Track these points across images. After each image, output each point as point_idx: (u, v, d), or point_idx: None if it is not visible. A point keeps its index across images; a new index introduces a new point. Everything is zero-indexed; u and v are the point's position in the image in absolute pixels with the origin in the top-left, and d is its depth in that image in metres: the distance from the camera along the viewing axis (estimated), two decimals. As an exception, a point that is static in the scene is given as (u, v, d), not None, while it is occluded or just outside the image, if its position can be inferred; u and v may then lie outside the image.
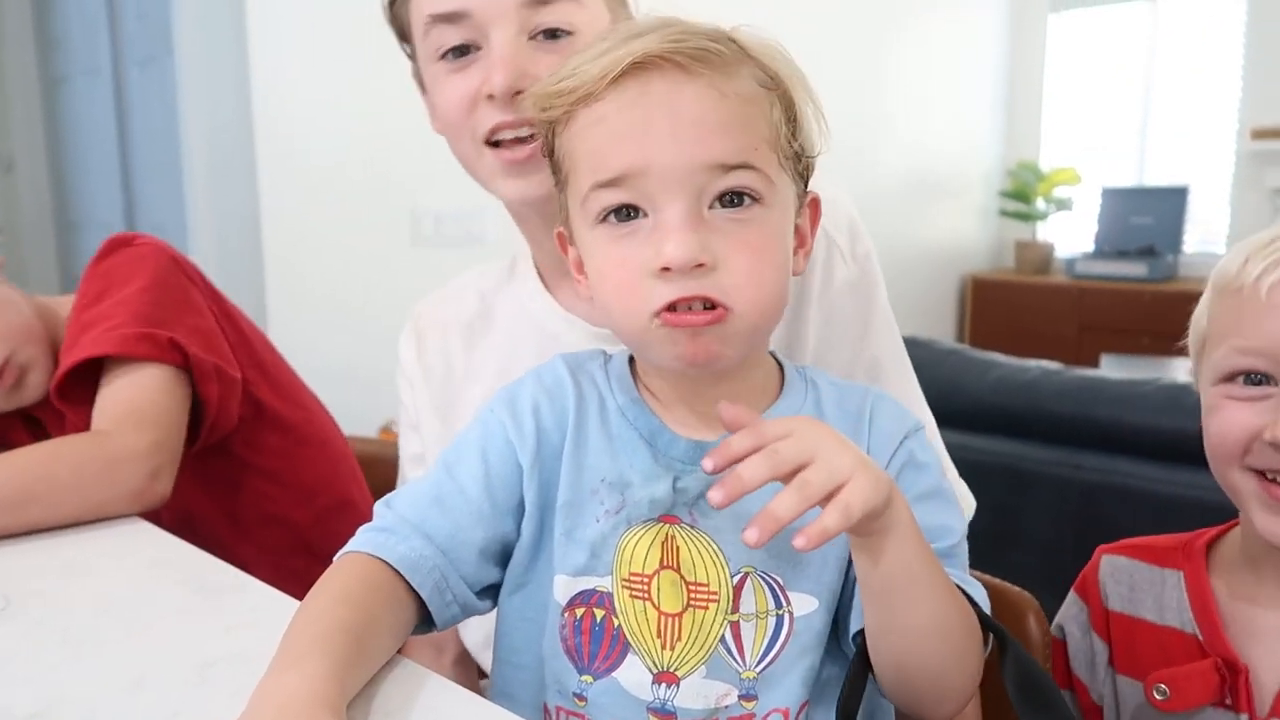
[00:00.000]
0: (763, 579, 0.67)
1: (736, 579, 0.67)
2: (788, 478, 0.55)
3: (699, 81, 0.63)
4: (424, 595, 0.67)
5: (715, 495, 0.54)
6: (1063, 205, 4.74)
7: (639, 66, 0.63)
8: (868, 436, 0.71)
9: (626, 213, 0.65)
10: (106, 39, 3.21)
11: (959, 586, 0.65)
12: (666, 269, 0.62)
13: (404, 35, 0.91)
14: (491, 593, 0.73)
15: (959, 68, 4.69)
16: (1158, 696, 0.77)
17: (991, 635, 0.66)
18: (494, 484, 0.70)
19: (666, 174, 0.63)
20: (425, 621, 0.69)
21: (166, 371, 1.04)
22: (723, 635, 0.66)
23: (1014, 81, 4.99)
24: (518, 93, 0.81)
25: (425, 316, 1.02)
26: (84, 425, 1.02)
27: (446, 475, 0.71)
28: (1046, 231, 4.90)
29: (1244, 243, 0.75)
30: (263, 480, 1.19)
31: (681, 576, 0.67)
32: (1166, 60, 4.66)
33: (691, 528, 0.68)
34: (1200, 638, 0.78)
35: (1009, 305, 4.63)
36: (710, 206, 0.64)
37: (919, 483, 0.69)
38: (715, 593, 0.67)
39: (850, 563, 0.65)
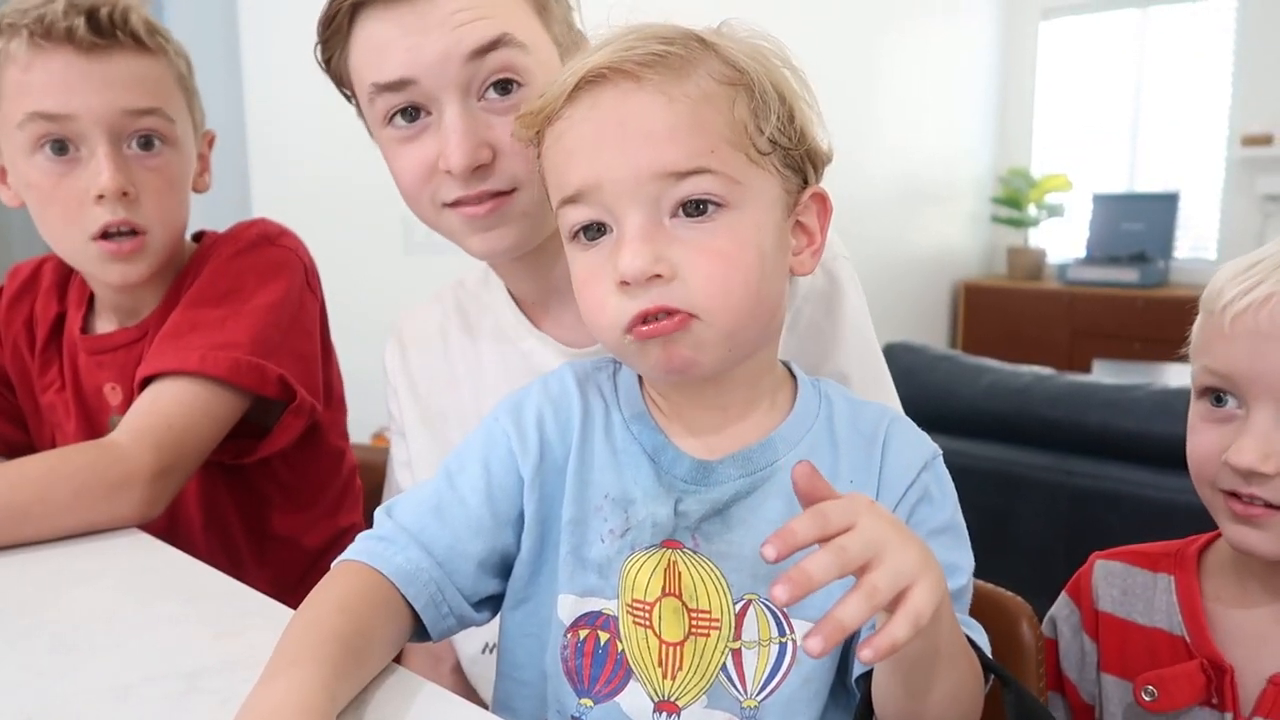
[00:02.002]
0: (766, 606, 0.66)
1: (739, 606, 0.66)
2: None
3: (646, 89, 0.62)
4: (418, 608, 0.66)
5: (781, 594, 0.49)
6: (1054, 211, 4.77)
7: (591, 81, 0.63)
8: (880, 463, 0.68)
9: (597, 229, 0.64)
10: (98, 44, 3.20)
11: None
12: (625, 283, 0.61)
13: (342, 83, 0.88)
14: (490, 604, 0.72)
15: (951, 74, 4.71)
16: (1146, 698, 0.78)
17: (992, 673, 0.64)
18: (495, 495, 0.70)
19: (618, 187, 0.62)
20: (421, 632, 0.68)
21: (233, 399, 1.00)
22: (724, 663, 0.65)
23: (1005, 88, 5.01)
24: (478, 167, 0.81)
25: (407, 327, 1.02)
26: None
27: (448, 485, 0.70)
28: (1038, 237, 4.92)
29: (1234, 261, 0.77)
30: (287, 499, 1.17)
31: (683, 603, 0.66)
32: (1157, 67, 4.69)
33: (694, 553, 0.67)
34: (1187, 639, 0.79)
35: (1001, 311, 4.64)
36: (673, 215, 0.62)
37: (933, 518, 0.68)
38: (717, 620, 0.66)
39: None
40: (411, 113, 0.82)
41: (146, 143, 1.02)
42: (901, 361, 2.18)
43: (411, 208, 0.88)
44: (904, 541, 0.53)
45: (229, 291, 1.04)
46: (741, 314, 0.63)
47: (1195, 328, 0.79)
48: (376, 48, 0.81)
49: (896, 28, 4.29)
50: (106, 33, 0.97)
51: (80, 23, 0.96)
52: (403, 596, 0.66)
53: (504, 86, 0.81)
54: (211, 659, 0.67)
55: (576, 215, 0.64)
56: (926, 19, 4.48)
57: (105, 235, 1.00)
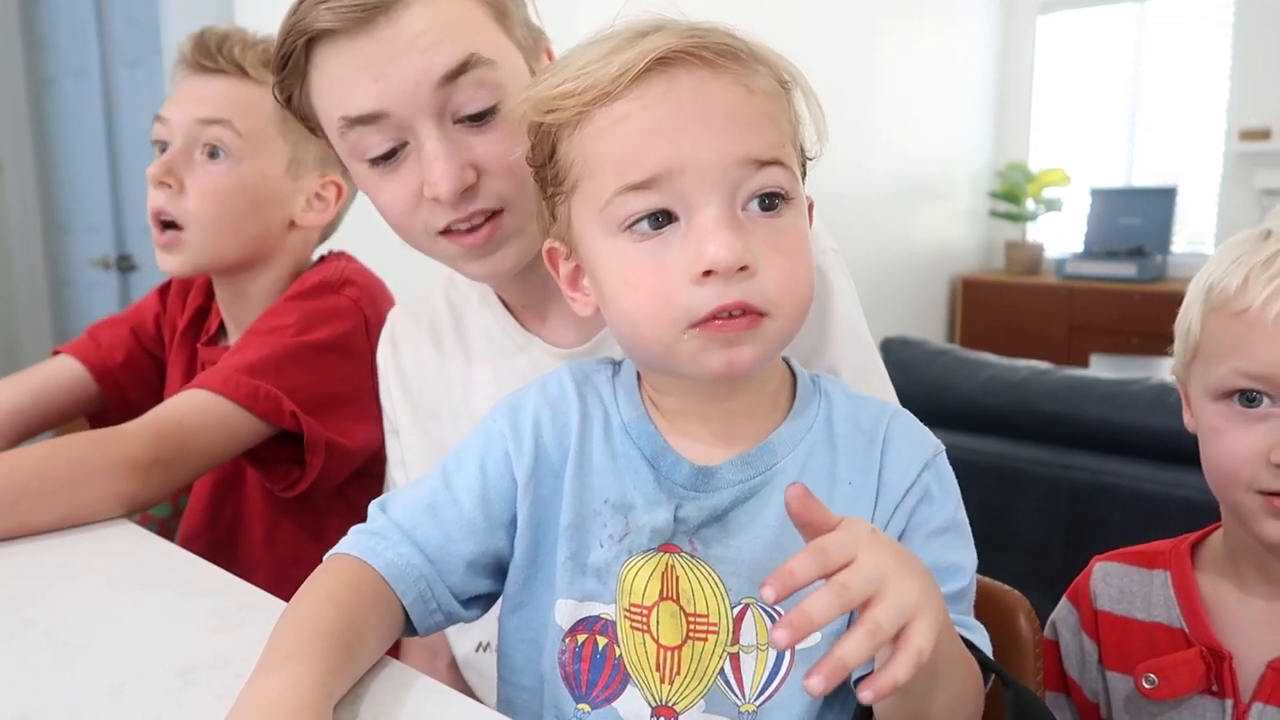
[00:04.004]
0: (764, 610, 0.65)
1: (737, 610, 0.65)
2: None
3: (725, 76, 0.61)
4: (406, 603, 0.66)
5: (781, 636, 0.48)
6: (1052, 206, 4.76)
7: (661, 62, 0.60)
8: (880, 464, 0.67)
9: (658, 219, 0.61)
10: (95, 40, 3.19)
11: (963, 637, 0.62)
12: (709, 272, 0.59)
13: (307, 119, 0.86)
14: (480, 602, 0.72)
15: (948, 69, 4.70)
16: (1146, 685, 0.78)
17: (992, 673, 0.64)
18: (490, 497, 0.69)
19: (702, 171, 0.59)
20: (410, 626, 0.68)
21: (252, 423, 1.03)
22: (722, 668, 0.65)
23: (1003, 82, 5.01)
24: (465, 190, 0.79)
25: (399, 325, 1.01)
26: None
27: (443, 484, 0.70)
28: (1036, 232, 4.92)
29: (1234, 253, 0.74)
30: (351, 516, 1.18)
31: (681, 608, 0.65)
32: (1155, 61, 4.69)
33: (692, 557, 0.66)
34: (1186, 630, 0.80)
35: (999, 306, 4.64)
36: (744, 208, 0.61)
37: (934, 517, 0.67)
38: (715, 624, 0.65)
39: None
40: (389, 152, 0.80)
41: (213, 152, 1.12)
42: (899, 356, 2.18)
43: (403, 238, 0.86)
44: (905, 573, 0.52)
45: (276, 328, 1.09)
46: (802, 313, 0.64)
47: (1200, 326, 0.76)
48: (341, 80, 0.79)
49: (894, 23, 4.28)
50: (210, 56, 1.12)
51: (190, 46, 1.14)
52: (393, 591, 0.66)
53: (479, 106, 0.79)
54: (206, 653, 0.67)
55: (642, 203, 0.61)
56: (924, 13, 4.47)
57: (158, 223, 1.14)
